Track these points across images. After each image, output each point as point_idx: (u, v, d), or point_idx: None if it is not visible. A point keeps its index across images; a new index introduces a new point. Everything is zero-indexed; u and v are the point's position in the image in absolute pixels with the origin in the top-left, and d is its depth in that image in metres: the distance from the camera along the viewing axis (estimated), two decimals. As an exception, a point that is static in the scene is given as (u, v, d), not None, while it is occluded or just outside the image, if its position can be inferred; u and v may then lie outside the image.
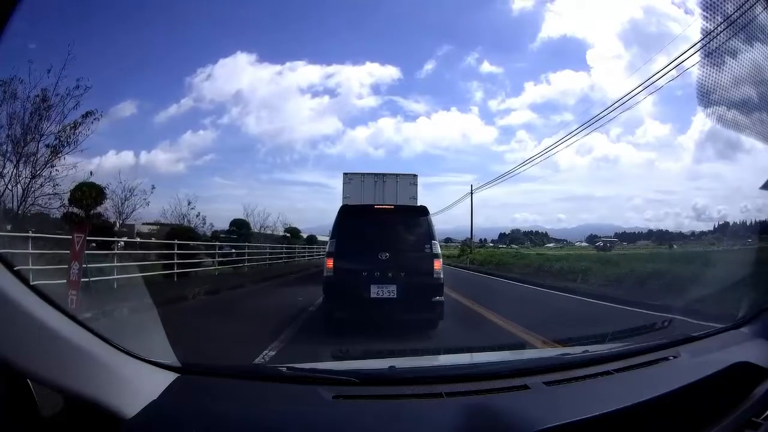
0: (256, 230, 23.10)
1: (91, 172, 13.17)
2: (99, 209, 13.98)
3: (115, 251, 9.90)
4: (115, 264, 9.40)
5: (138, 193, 15.43)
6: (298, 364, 1.61)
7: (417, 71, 49.84)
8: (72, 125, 12.32)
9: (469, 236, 36.33)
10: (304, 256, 26.45)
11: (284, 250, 22.89)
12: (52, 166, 12.11)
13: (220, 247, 16.55)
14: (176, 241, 12.37)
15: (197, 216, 18.71)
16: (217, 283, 11.09)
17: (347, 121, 47.11)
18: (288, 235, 27.57)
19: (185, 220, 18.15)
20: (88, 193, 12.88)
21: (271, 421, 1.22)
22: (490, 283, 16.50)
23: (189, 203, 18.51)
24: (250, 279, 13.18)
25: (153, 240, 15.05)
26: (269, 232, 24.71)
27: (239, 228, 22.06)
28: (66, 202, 12.57)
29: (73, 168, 12.35)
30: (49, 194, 12.15)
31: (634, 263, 14.40)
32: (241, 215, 22.92)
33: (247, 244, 18.61)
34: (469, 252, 34.49)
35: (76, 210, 12.91)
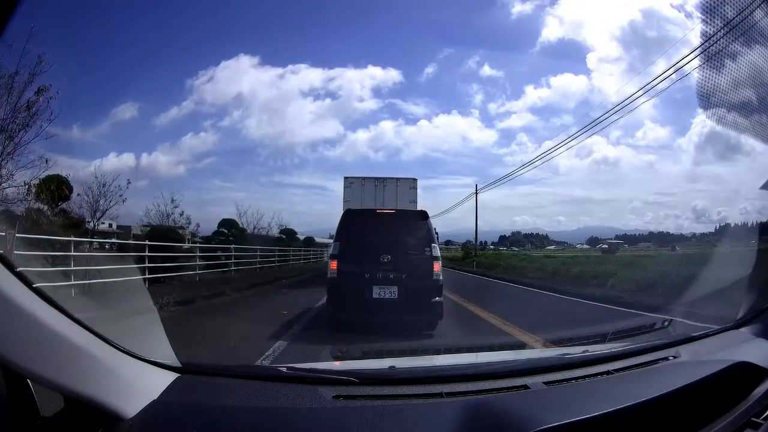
0: (249, 231, 21.85)
1: (46, 160, 11.20)
2: (66, 205, 12.46)
3: (72, 253, 8.54)
4: (72, 268, 8.29)
5: (114, 189, 13.66)
6: (298, 364, 1.61)
7: (418, 75, 49.84)
8: (26, 105, 10.63)
9: (472, 239, 35.68)
10: (300, 259, 25.26)
11: (277, 253, 21.28)
12: (7, 153, 10.55)
13: (203, 249, 15.16)
14: (146, 242, 11.20)
15: (181, 215, 17.02)
16: (194, 291, 9.71)
17: (348, 124, 47.09)
18: (283, 236, 26.38)
19: (170, 219, 16.62)
20: (45, 187, 11.12)
21: (271, 421, 1.22)
22: (511, 292, 13.87)
23: (172, 200, 16.81)
24: (234, 286, 11.51)
25: (113, 240, 13.95)
26: (264, 233, 23.41)
27: (228, 228, 20.87)
28: (28, 196, 11.10)
29: (40, 159, 10.93)
30: (3, 187, 10.47)
31: (658, 266, 12.77)
32: (235, 216, 21.76)
33: (233, 246, 16.98)
34: (474, 255, 33.10)
35: (39, 206, 11.29)
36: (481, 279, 19.70)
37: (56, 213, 11.79)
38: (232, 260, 15.76)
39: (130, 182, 14.31)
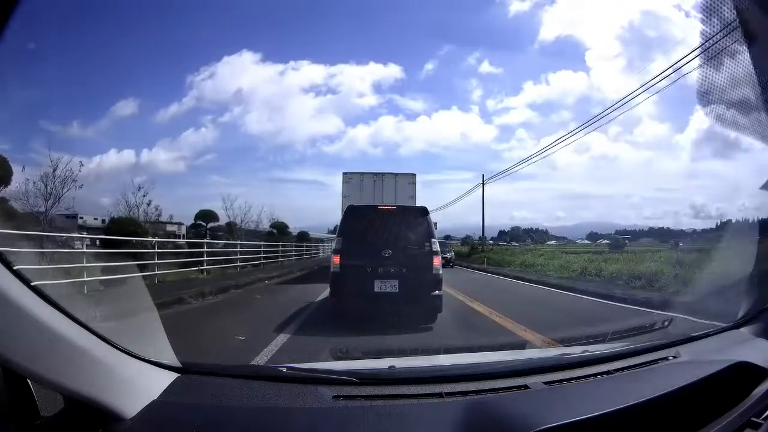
0: (237, 224, 19.67)
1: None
2: (5, 192, 10.93)
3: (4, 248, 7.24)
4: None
5: (66, 173, 11.81)
6: (298, 364, 1.62)
7: (418, 71, 49.66)
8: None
9: (471, 233, 34.98)
10: (291, 256, 22.65)
11: (262, 249, 18.60)
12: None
13: (163, 245, 12.43)
14: (85, 235, 9.30)
15: (149, 205, 14.85)
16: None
17: (348, 120, 46.87)
18: (274, 231, 24.25)
19: (138, 210, 14.60)
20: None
21: (271, 421, 1.22)
22: (555, 300, 10.16)
23: (140, 189, 14.74)
24: (198, 290, 8.77)
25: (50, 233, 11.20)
26: (253, 227, 21.21)
27: (206, 221, 18.91)
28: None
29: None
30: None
31: (706, 263, 10.89)
32: (221, 209, 19.33)
33: (206, 241, 14.75)
34: (481, 250, 30.71)
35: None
36: (500, 279, 16.49)
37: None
38: (204, 257, 13.25)
39: (82, 164, 12.64)
